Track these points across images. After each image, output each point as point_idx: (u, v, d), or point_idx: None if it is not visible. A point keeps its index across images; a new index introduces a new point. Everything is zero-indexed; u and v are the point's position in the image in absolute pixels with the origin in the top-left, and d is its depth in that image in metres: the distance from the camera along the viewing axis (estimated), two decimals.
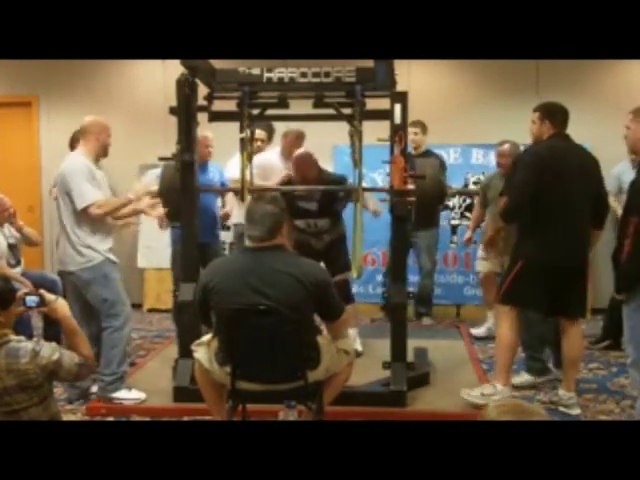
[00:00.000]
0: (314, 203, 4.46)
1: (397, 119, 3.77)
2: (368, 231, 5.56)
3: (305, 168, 4.32)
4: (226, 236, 6.18)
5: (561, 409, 3.80)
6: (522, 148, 4.93)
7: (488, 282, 5.27)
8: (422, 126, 5.65)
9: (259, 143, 5.16)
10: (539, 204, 3.61)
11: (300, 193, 4.37)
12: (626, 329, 3.17)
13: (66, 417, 3.68)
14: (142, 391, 3.99)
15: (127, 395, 3.93)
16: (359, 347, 4.83)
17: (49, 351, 2.42)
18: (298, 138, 4.85)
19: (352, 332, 4.96)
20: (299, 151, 4.49)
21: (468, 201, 6.33)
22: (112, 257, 3.96)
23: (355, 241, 4.05)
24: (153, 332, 5.73)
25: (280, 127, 5.28)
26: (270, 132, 5.30)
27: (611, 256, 3.18)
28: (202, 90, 4.03)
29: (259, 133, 5.07)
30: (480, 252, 5.35)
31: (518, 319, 3.80)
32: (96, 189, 3.87)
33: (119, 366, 3.93)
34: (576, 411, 3.83)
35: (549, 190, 3.62)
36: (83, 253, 3.86)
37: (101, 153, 4.03)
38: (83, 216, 3.85)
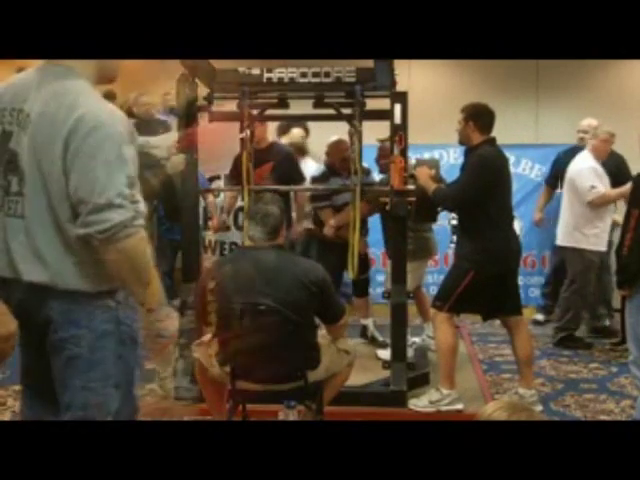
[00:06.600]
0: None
1: (397, 119, 3.77)
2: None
3: (344, 151, 4.59)
4: (226, 236, 6.18)
5: None
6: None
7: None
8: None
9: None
10: (490, 210, 3.66)
11: (340, 172, 4.68)
12: (628, 326, 3.16)
13: None
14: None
15: None
16: (380, 337, 4.90)
17: None
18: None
19: (369, 322, 5.01)
20: (335, 138, 4.78)
21: None
22: None
23: (352, 241, 4.04)
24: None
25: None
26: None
27: (614, 251, 3.17)
28: (202, 90, 4.03)
29: (299, 132, 5.22)
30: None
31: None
32: None
33: None
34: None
35: (501, 196, 3.72)
36: None
37: None
38: None
